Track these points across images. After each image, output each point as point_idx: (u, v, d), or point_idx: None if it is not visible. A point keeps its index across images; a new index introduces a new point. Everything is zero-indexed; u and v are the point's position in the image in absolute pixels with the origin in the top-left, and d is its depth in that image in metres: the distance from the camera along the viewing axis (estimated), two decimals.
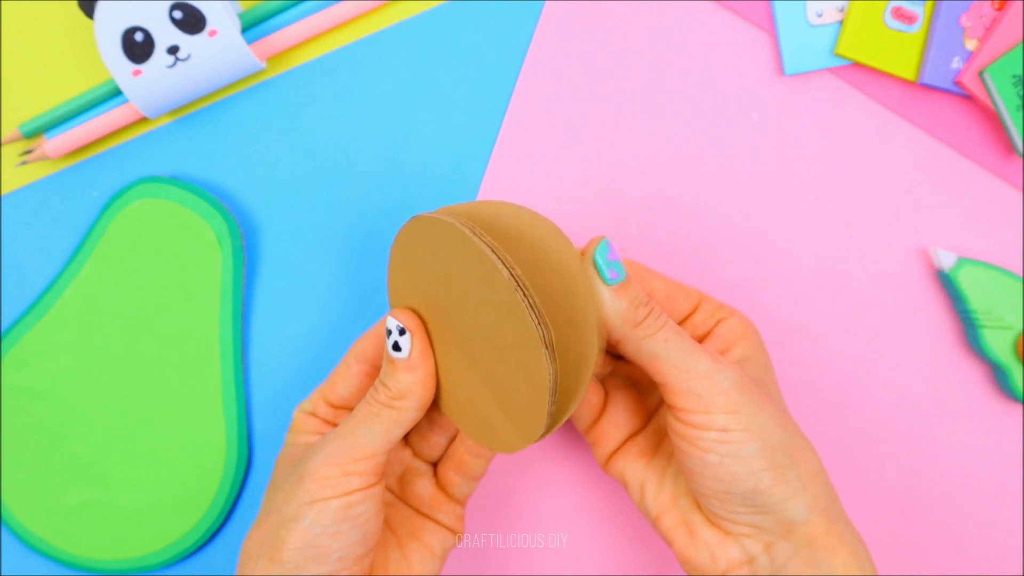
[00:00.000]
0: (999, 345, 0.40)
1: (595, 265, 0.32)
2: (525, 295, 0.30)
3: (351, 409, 0.37)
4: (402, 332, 0.33)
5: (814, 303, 0.42)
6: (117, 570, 0.42)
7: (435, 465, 0.38)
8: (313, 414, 0.37)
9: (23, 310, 0.43)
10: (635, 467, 0.36)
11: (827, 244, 0.42)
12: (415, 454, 0.38)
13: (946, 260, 0.40)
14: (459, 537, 0.38)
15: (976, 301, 0.40)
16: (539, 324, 0.30)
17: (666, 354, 0.32)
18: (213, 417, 0.42)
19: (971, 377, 0.42)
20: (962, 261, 0.40)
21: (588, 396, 0.37)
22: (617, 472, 0.37)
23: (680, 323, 0.37)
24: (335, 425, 0.36)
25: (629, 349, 0.33)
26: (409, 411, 0.33)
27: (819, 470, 0.33)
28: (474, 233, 0.30)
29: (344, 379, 0.36)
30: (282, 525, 0.32)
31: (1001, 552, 0.42)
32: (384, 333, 0.35)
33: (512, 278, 0.30)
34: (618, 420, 0.37)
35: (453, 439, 0.38)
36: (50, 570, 0.43)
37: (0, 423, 0.42)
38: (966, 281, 0.40)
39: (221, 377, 0.42)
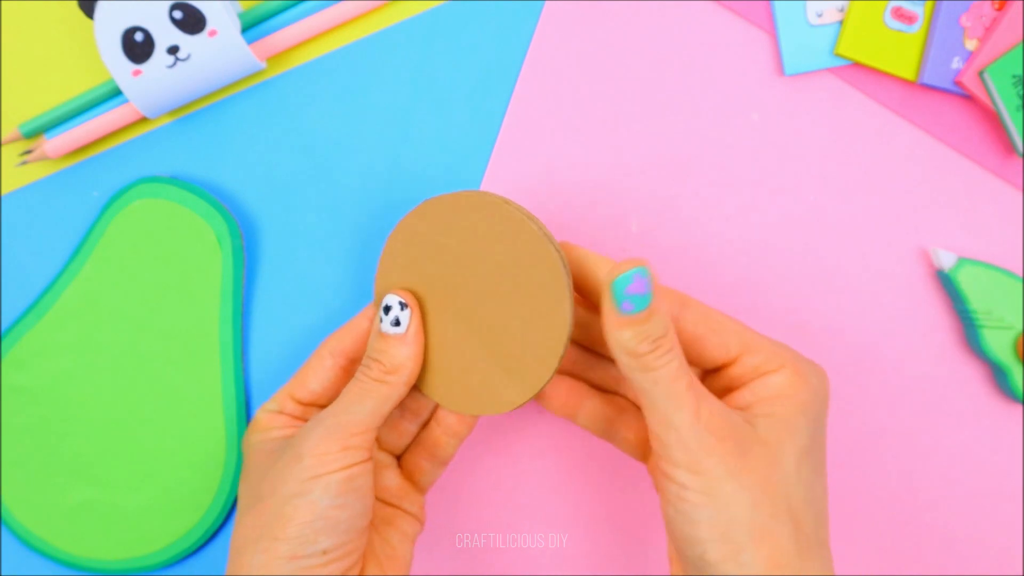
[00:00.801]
0: (999, 345, 0.40)
1: (611, 290, 0.31)
2: (551, 243, 0.34)
3: (321, 405, 0.37)
4: (403, 307, 0.35)
5: (814, 303, 0.42)
6: (117, 570, 0.42)
7: (399, 457, 0.39)
8: (280, 412, 0.37)
9: (23, 310, 0.43)
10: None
11: (827, 244, 0.42)
12: (380, 446, 0.39)
13: (946, 260, 0.40)
14: (422, 525, 0.39)
15: (976, 301, 0.40)
16: (564, 267, 0.34)
17: (650, 395, 0.31)
18: (213, 417, 0.42)
19: (971, 377, 0.42)
20: (962, 261, 0.40)
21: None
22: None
23: (711, 372, 0.35)
24: (305, 421, 0.37)
25: (622, 370, 0.32)
26: (399, 386, 0.35)
27: (786, 564, 0.30)
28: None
29: (316, 374, 0.37)
30: (286, 502, 0.33)
31: (1001, 552, 0.42)
32: (361, 324, 0.37)
33: (539, 230, 0.34)
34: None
35: (425, 424, 0.39)
36: (50, 570, 0.43)
37: (0, 423, 0.42)
38: (966, 281, 0.40)
39: (221, 377, 0.42)
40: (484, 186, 0.42)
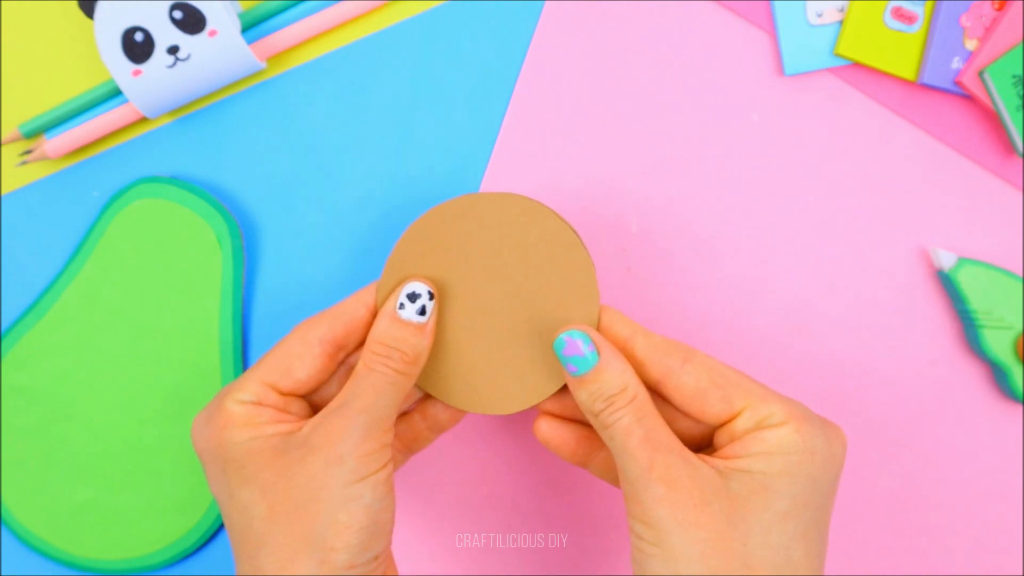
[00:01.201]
0: (999, 345, 0.40)
1: (556, 355, 0.33)
2: (580, 241, 0.35)
3: (302, 395, 0.35)
4: (431, 296, 0.34)
5: (814, 302, 0.42)
6: (117, 570, 0.42)
7: None
8: (260, 404, 0.33)
9: (23, 310, 0.43)
10: None
11: (827, 244, 0.42)
12: None
13: (946, 260, 0.40)
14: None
15: (976, 301, 0.40)
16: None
17: (611, 448, 0.32)
18: None
19: (971, 377, 0.42)
20: (962, 261, 0.40)
21: None
22: None
23: (719, 428, 0.33)
24: (289, 413, 0.34)
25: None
26: (415, 377, 0.34)
27: None
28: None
29: (304, 364, 0.34)
30: (340, 508, 0.31)
31: (1001, 552, 0.42)
32: (356, 311, 0.35)
33: (579, 239, 0.35)
34: None
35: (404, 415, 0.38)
36: (50, 570, 0.43)
37: (0, 423, 0.42)
38: (966, 281, 0.40)
39: (221, 376, 0.42)
40: (485, 186, 0.42)
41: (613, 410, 0.32)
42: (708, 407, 0.32)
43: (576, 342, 0.32)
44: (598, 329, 0.34)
